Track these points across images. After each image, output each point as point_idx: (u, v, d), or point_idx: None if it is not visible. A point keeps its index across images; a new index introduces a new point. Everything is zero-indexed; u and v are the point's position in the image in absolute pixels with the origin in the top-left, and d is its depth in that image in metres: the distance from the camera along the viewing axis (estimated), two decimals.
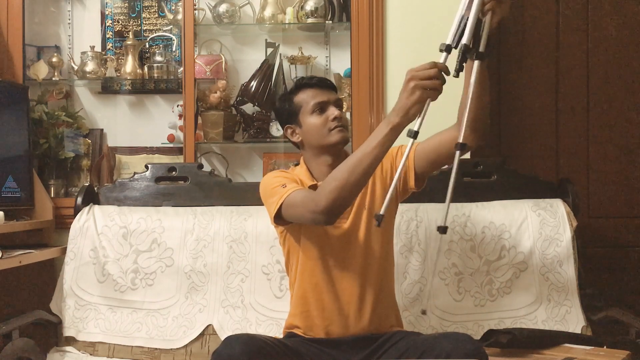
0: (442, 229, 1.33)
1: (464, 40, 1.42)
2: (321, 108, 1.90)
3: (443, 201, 2.36)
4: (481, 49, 1.44)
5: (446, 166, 2.42)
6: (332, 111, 1.90)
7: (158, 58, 2.87)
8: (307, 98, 1.92)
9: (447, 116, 1.78)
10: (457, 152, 1.38)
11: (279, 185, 1.83)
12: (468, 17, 1.43)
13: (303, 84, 1.95)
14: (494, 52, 1.57)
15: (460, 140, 1.38)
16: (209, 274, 2.33)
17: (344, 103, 2.72)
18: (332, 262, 1.87)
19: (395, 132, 1.58)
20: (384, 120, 1.61)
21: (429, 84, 1.48)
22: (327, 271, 1.87)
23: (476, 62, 1.44)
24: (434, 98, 1.48)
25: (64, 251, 2.42)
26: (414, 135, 1.44)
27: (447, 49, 1.46)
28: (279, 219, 1.82)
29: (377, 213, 1.47)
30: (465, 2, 1.46)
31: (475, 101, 1.62)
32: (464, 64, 1.42)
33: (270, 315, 2.26)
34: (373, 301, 1.88)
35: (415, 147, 1.88)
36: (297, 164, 2.04)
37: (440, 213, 2.34)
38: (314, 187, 1.88)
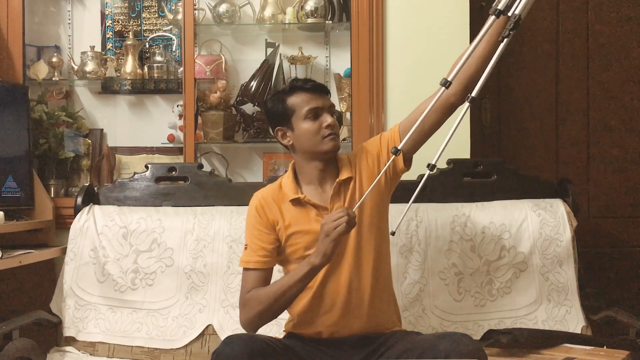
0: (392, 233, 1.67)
1: (518, 10, 1.44)
2: (315, 114, 1.87)
3: (442, 201, 2.40)
4: (523, 17, 1.45)
5: (446, 166, 2.44)
6: (326, 118, 1.87)
7: (158, 58, 2.87)
8: (301, 102, 1.88)
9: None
10: (468, 104, 1.45)
11: (245, 243, 1.93)
12: None
13: (297, 86, 1.91)
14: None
15: (474, 94, 1.43)
16: (209, 274, 2.33)
17: (344, 103, 2.73)
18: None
19: (314, 271, 1.78)
20: (306, 259, 1.79)
21: (335, 224, 1.72)
22: (323, 273, 1.86)
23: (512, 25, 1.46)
24: (347, 232, 1.74)
25: (64, 251, 2.42)
26: (446, 83, 1.50)
27: (498, 13, 1.48)
28: None
29: (395, 147, 1.60)
30: None
31: (482, 61, 1.71)
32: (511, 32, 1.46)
33: None
34: (369, 299, 1.87)
35: (398, 128, 1.89)
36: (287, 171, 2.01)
37: (440, 213, 2.34)
38: (296, 201, 1.89)
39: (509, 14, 1.45)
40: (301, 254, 1.87)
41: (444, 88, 1.51)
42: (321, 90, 1.93)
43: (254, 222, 1.92)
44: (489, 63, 1.64)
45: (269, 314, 1.84)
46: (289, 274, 1.85)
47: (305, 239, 1.86)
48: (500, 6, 1.47)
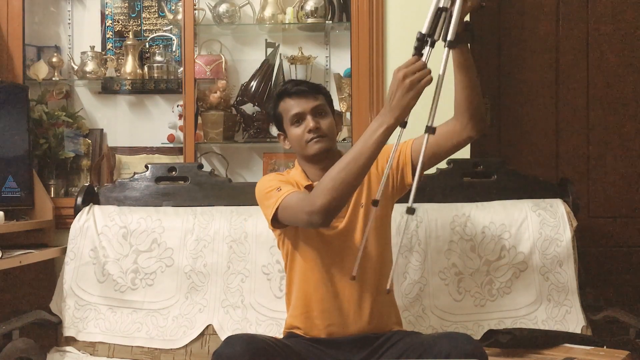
0: (411, 210, 1.42)
1: (424, 30, 1.48)
2: (298, 120, 1.89)
3: (442, 201, 2.41)
4: (450, 37, 1.46)
5: (446, 166, 2.44)
6: (308, 122, 1.87)
7: (158, 58, 2.87)
8: (286, 109, 1.91)
9: (448, 110, 1.78)
10: (426, 135, 1.46)
11: (274, 188, 1.82)
12: (439, 8, 1.48)
13: (283, 92, 1.94)
14: (470, 39, 1.65)
15: (429, 124, 1.45)
16: (209, 274, 2.33)
17: (344, 103, 2.73)
18: (330, 261, 1.88)
19: (389, 132, 1.58)
20: (376, 119, 1.60)
21: (421, 75, 1.50)
22: (326, 271, 1.87)
23: (445, 50, 1.45)
24: (429, 83, 1.51)
25: (64, 251, 2.42)
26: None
27: (424, 38, 1.50)
28: (276, 222, 1.82)
29: (373, 199, 1.56)
30: None
31: (463, 89, 1.70)
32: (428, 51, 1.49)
33: (270, 315, 2.26)
34: (371, 300, 1.88)
35: (412, 143, 1.89)
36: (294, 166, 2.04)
37: (440, 213, 2.34)
38: (309, 188, 1.88)
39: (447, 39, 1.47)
40: (314, 236, 1.87)
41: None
42: (304, 92, 1.91)
43: (278, 178, 1.89)
44: (476, 86, 1.69)
45: (343, 188, 1.63)
46: (359, 139, 1.63)
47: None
48: (424, 30, 1.49)
